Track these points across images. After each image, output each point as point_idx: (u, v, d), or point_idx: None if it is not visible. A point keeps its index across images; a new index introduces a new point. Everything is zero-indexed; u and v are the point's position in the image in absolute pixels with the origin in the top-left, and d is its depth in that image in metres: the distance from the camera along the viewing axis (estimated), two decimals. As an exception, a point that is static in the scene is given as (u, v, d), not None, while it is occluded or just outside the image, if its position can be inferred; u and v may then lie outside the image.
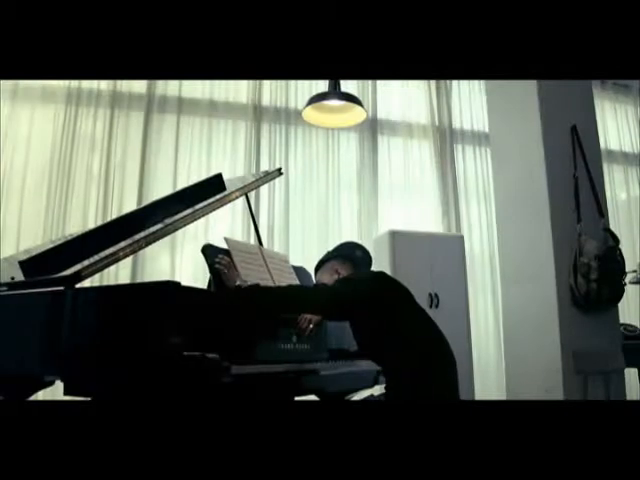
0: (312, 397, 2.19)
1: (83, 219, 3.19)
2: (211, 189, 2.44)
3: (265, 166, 3.57)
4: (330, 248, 3.57)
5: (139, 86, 3.47)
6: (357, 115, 2.68)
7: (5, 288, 1.84)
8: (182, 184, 3.39)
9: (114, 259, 1.74)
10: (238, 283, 1.76)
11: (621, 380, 2.62)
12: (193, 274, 3.31)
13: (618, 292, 2.56)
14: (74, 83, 3.30)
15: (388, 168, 3.91)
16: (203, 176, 3.41)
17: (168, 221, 2.00)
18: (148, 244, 1.89)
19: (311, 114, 2.64)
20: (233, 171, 3.44)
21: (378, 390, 2.22)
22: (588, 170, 2.72)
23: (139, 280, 3.15)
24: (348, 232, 3.72)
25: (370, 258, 2.09)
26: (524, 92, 2.88)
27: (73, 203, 3.19)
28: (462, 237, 3.66)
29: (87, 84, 3.34)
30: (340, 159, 3.79)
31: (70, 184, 3.20)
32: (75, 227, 3.10)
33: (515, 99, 2.97)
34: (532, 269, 2.72)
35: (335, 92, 2.65)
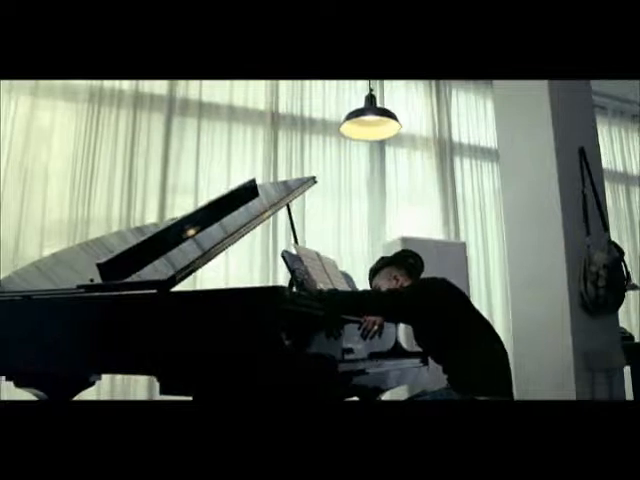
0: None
1: (107, 217, 3.17)
2: (247, 195, 2.52)
3: (282, 173, 3.66)
4: (342, 253, 3.76)
5: (160, 88, 3.46)
6: (392, 128, 2.85)
7: (82, 290, 1.86)
8: (204, 188, 3.43)
9: (196, 266, 1.80)
10: (319, 287, 1.87)
11: (622, 377, 2.92)
12: (214, 278, 3.35)
13: (621, 298, 2.86)
14: (96, 82, 3.27)
15: (395, 177, 4.10)
16: (224, 181, 3.48)
17: (239, 225, 2.06)
18: (219, 251, 1.95)
19: (350, 128, 2.79)
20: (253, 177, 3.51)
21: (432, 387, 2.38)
22: (594, 188, 3.01)
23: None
24: (358, 238, 3.87)
25: (422, 265, 2.24)
26: (535, 112, 3.14)
27: (96, 203, 3.16)
28: (464, 244, 3.92)
29: (109, 83, 3.31)
30: (352, 167, 3.94)
31: (93, 183, 3.17)
32: (99, 229, 3.06)
33: (526, 118, 3.22)
34: (544, 276, 2.97)
35: (371, 107, 2.81)
